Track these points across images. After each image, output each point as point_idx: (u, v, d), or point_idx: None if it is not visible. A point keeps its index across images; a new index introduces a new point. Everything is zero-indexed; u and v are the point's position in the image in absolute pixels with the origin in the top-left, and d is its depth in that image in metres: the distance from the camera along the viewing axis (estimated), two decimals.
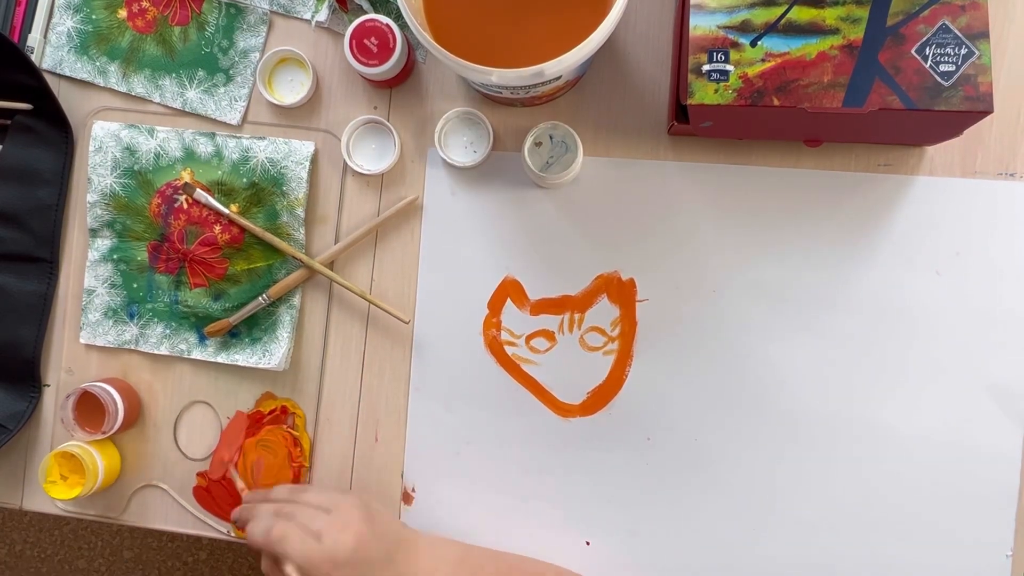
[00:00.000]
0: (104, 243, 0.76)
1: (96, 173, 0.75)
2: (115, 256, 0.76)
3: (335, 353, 0.74)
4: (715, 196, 0.70)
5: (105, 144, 0.75)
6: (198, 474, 0.75)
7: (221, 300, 0.74)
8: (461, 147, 0.72)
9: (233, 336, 0.74)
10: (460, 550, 0.66)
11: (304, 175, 0.73)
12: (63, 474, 0.72)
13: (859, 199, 0.69)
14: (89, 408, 0.72)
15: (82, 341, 0.76)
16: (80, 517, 0.77)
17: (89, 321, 0.76)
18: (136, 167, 0.75)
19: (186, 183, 0.73)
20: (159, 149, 0.75)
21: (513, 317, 0.72)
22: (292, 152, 0.73)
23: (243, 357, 0.74)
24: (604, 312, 0.71)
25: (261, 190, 0.73)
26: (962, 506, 0.68)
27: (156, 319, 0.75)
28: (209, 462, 0.75)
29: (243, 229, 0.73)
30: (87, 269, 0.76)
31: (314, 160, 0.74)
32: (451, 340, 0.73)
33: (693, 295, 0.70)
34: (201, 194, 0.73)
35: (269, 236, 0.72)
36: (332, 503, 0.62)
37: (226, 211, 0.72)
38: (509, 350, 0.72)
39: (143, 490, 0.76)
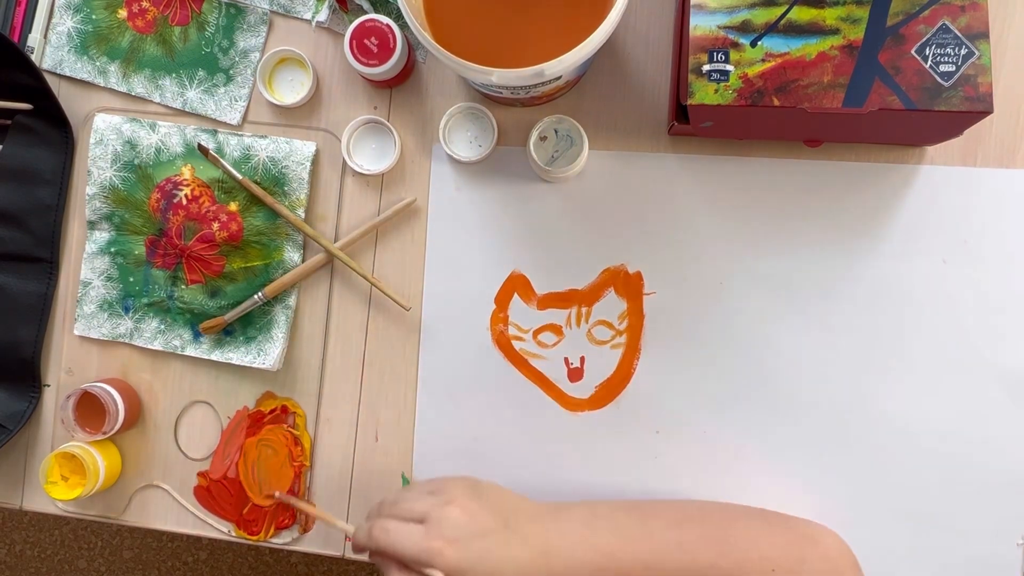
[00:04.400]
0: (102, 236, 0.76)
1: (96, 166, 0.75)
2: (112, 249, 0.75)
3: (335, 353, 0.74)
4: (722, 188, 0.70)
5: (106, 137, 0.75)
6: (199, 474, 0.75)
7: (217, 297, 0.74)
8: (465, 142, 0.72)
9: (227, 334, 0.74)
10: (586, 509, 0.62)
11: (305, 176, 0.73)
12: (64, 474, 0.72)
13: (866, 189, 0.69)
14: (89, 408, 0.72)
15: (76, 332, 0.76)
16: (80, 517, 0.77)
17: (84, 313, 0.76)
18: (136, 161, 0.75)
19: (200, 144, 0.73)
20: (160, 144, 0.75)
21: (520, 312, 0.72)
22: (293, 152, 0.73)
23: (237, 356, 0.74)
24: (611, 305, 0.71)
25: (262, 189, 0.73)
26: (973, 495, 0.68)
27: (151, 314, 0.75)
28: (209, 462, 0.75)
29: (241, 227, 0.73)
30: (84, 261, 0.76)
31: (315, 160, 0.74)
32: (458, 336, 0.73)
33: (700, 287, 0.70)
34: (216, 157, 0.72)
35: (283, 210, 0.72)
36: (434, 487, 0.60)
37: (239, 176, 0.72)
38: (517, 345, 0.72)
39: (144, 490, 0.76)
